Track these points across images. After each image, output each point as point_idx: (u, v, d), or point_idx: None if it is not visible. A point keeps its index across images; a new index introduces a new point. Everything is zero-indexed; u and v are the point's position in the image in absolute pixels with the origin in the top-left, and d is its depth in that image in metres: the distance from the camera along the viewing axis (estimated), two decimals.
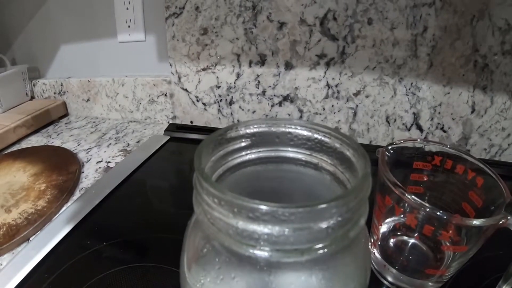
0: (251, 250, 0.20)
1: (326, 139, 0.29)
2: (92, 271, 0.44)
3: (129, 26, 0.81)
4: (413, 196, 0.36)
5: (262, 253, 0.20)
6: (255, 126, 0.30)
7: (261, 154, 0.31)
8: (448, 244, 0.39)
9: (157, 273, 0.44)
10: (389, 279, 0.44)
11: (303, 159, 0.31)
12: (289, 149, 0.31)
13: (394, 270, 0.43)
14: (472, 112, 0.74)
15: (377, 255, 0.45)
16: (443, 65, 0.71)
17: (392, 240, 0.46)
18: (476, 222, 0.35)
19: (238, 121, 0.80)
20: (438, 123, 0.75)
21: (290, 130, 0.30)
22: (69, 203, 0.59)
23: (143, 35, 0.81)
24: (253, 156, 0.31)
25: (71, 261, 0.46)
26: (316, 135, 0.29)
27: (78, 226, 0.53)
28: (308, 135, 0.30)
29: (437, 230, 0.37)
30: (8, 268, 0.46)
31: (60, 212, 0.56)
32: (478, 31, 0.68)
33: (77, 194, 0.62)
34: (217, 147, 0.28)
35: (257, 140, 0.30)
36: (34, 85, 1.02)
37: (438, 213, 0.35)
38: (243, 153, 0.30)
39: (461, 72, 0.71)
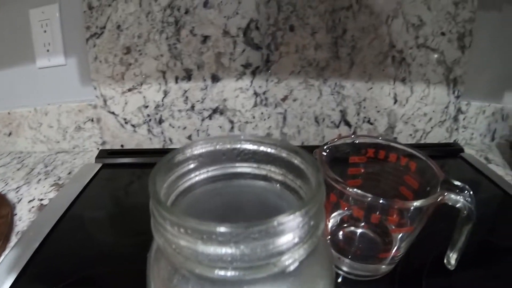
0: (222, 273, 0.20)
1: (273, 151, 0.30)
2: None
3: (48, 50, 0.76)
4: (355, 189, 0.38)
5: (234, 273, 0.20)
6: (201, 146, 0.30)
7: (209, 174, 0.31)
8: (394, 227, 0.42)
9: None
10: (344, 269, 0.46)
11: (252, 172, 0.31)
12: (237, 164, 0.31)
13: (347, 260, 0.45)
14: (395, 103, 0.79)
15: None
16: (363, 63, 0.74)
17: (341, 233, 0.48)
18: (416, 203, 0.37)
19: (170, 139, 0.79)
20: (365, 117, 0.79)
21: (236, 146, 0.30)
22: (6, 251, 0.54)
23: (63, 59, 0.77)
24: (202, 176, 0.30)
25: None
26: (262, 148, 0.30)
27: (22, 274, 0.48)
28: (254, 149, 0.30)
29: (383, 216, 0.40)
30: None
31: None
32: (393, 29, 0.72)
33: (13, 239, 0.57)
34: (167, 172, 0.27)
35: (204, 160, 0.30)
36: None
37: (381, 201, 0.38)
38: (192, 175, 0.30)
39: (381, 68, 0.75)
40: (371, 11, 0.71)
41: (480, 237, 0.54)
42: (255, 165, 0.31)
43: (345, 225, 0.48)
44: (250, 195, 0.32)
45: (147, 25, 0.69)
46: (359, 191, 0.38)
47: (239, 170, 0.31)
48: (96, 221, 0.61)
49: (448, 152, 0.83)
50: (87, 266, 0.49)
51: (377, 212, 0.40)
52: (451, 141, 0.86)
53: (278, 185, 0.31)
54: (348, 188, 0.38)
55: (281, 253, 0.21)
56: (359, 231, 0.48)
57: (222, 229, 0.19)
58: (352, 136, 0.50)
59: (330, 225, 0.46)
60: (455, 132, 0.86)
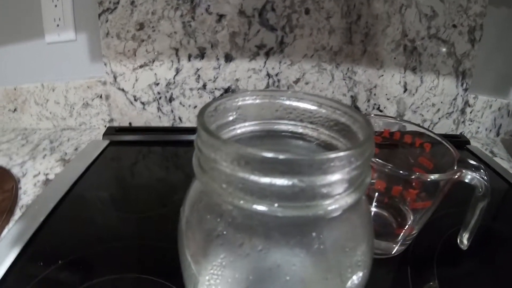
0: (274, 207, 0.20)
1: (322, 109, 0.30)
2: None
3: (57, 25, 0.75)
4: (377, 159, 0.39)
5: (283, 209, 0.20)
6: (241, 98, 0.29)
7: (249, 128, 0.31)
8: (413, 202, 0.42)
9: (127, 283, 0.42)
10: None
11: (290, 130, 0.31)
12: (280, 121, 0.31)
13: None
14: (404, 92, 0.79)
15: None
16: (376, 50, 0.74)
17: None
18: (435, 176, 0.38)
19: (179, 118, 0.78)
20: (375, 104, 0.79)
21: (276, 101, 0.30)
22: (10, 224, 0.53)
23: (73, 34, 0.75)
24: (242, 130, 0.30)
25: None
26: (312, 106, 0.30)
27: (26, 248, 0.46)
28: (294, 105, 0.30)
29: (404, 189, 0.40)
30: None
31: (1, 236, 0.50)
32: (406, 18, 0.73)
33: (18, 213, 0.55)
34: (210, 118, 0.27)
35: (244, 113, 0.30)
36: None
37: (401, 172, 0.38)
38: (232, 127, 0.30)
39: (393, 56, 0.75)
40: None
41: (488, 224, 0.56)
42: (295, 122, 0.31)
43: None
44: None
45: (162, 1, 0.69)
46: (380, 161, 0.39)
47: (276, 127, 0.31)
48: (101, 197, 0.60)
49: (454, 144, 0.82)
50: (92, 243, 0.48)
51: (399, 184, 0.40)
52: (458, 133, 0.87)
53: (315, 143, 0.31)
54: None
55: (330, 195, 0.21)
56: (374, 210, 0.47)
57: (282, 156, 0.19)
58: (370, 115, 0.50)
59: None
60: (462, 125, 0.87)
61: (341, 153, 0.20)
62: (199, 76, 0.74)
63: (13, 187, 0.60)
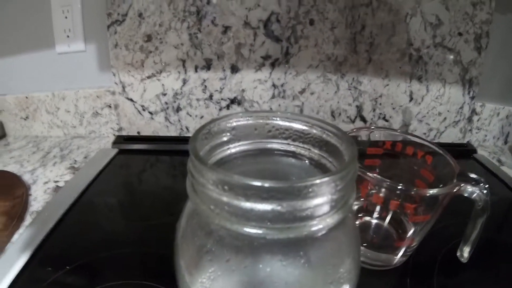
0: (259, 230, 0.21)
1: (306, 128, 0.31)
2: None
3: (68, 36, 0.77)
4: (374, 174, 0.39)
5: (268, 231, 0.21)
6: (234, 120, 0.30)
7: (241, 148, 0.32)
8: (411, 215, 0.43)
9: None
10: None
11: (284, 148, 0.32)
12: (268, 140, 0.32)
13: (362, 248, 0.46)
14: (410, 101, 0.79)
15: None
16: (381, 59, 0.75)
17: (358, 221, 0.48)
18: (433, 191, 0.38)
19: (186, 128, 0.80)
20: (380, 113, 0.80)
21: (268, 121, 0.31)
22: (20, 230, 0.55)
23: (83, 45, 0.78)
24: (234, 150, 0.31)
25: None
26: (294, 125, 0.31)
27: (36, 254, 0.48)
28: (287, 125, 0.31)
29: (401, 203, 0.40)
30: None
31: (12, 241, 0.52)
32: (411, 27, 0.73)
33: (28, 219, 0.57)
34: (203, 140, 0.28)
35: (237, 134, 0.31)
36: None
37: (399, 186, 0.38)
38: (226, 147, 0.31)
39: (398, 65, 0.76)
40: (390, 8, 0.71)
41: (492, 235, 0.56)
42: (287, 141, 0.32)
43: (360, 214, 0.48)
44: (281, 170, 0.33)
45: (169, 13, 0.70)
46: (378, 176, 0.39)
47: (269, 146, 0.32)
48: (110, 205, 0.61)
49: (461, 153, 0.83)
50: (99, 249, 0.49)
51: (397, 199, 0.41)
52: (465, 141, 0.87)
53: (307, 161, 0.32)
54: (368, 173, 0.39)
55: (312, 217, 0.22)
56: (374, 221, 0.48)
57: (266, 184, 0.20)
58: (371, 128, 0.50)
59: None
60: (469, 133, 0.87)
61: (318, 180, 0.21)
62: (205, 86, 0.75)
63: (24, 194, 0.62)
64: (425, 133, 0.83)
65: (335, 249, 0.26)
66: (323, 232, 0.23)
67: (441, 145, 0.80)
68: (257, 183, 0.20)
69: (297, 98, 0.77)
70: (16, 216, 0.56)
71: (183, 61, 0.73)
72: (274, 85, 0.76)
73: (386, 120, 0.81)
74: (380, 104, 0.79)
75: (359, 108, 0.79)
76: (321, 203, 0.22)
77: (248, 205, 0.21)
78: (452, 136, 0.85)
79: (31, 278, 0.45)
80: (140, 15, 0.70)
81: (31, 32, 0.78)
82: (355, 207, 0.48)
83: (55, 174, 0.69)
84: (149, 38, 0.71)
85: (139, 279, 0.44)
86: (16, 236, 0.53)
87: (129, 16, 0.70)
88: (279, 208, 0.21)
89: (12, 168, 0.72)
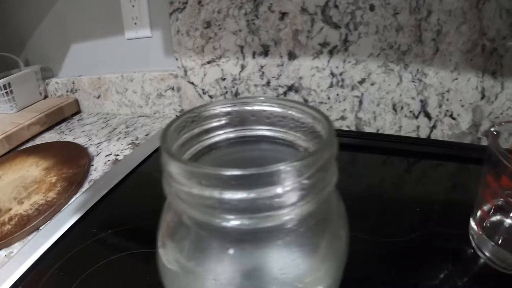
0: (224, 223, 0.21)
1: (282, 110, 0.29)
2: (97, 257, 0.45)
3: (135, 23, 0.82)
4: None
5: (235, 222, 0.21)
6: (228, 104, 0.30)
7: (227, 136, 0.31)
8: None
9: None
10: (487, 254, 0.42)
11: (271, 135, 0.31)
12: (252, 127, 0.31)
13: (494, 245, 0.41)
14: (482, 98, 0.73)
15: (479, 230, 0.43)
16: (449, 50, 0.70)
17: (498, 216, 0.43)
18: None
19: None
20: (447, 110, 0.74)
21: (264, 108, 0.30)
22: (78, 194, 0.61)
23: (149, 31, 0.83)
24: (230, 135, 0.31)
25: (77, 248, 0.47)
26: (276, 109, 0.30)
27: (86, 216, 0.54)
28: (281, 112, 0.30)
29: None
30: (18, 255, 0.48)
31: (69, 203, 0.58)
32: (484, 14, 0.67)
33: (86, 185, 0.63)
34: (181, 130, 0.28)
35: (221, 122, 0.31)
36: (47, 84, 1.05)
37: None
38: (218, 132, 0.31)
39: (469, 57, 0.70)
40: None
41: None
42: (283, 129, 0.31)
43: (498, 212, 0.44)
44: (268, 157, 0.32)
45: (227, 0, 0.71)
46: None
47: (256, 133, 0.31)
48: (160, 180, 0.64)
49: None
50: (141, 218, 0.52)
51: None
52: None
53: (300, 148, 0.30)
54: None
55: (281, 207, 0.21)
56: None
57: (228, 172, 0.20)
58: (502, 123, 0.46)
59: (487, 207, 0.43)
60: None
61: (284, 166, 0.20)
62: (263, 73, 0.76)
63: (86, 164, 0.69)
64: None
65: (314, 236, 0.24)
66: (296, 222, 0.22)
67: None
68: (218, 172, 0.20)
69: (356, 88, 0.74)
70: (76, 182, 0.63)
71: (241, 47, 0.74)
72: (332, 74, 0.74)
73: (454, 118, 0.75)
74: (447, 99, 0.74)
75: (424, 103, 0.74)
76: (291, 190, 0.21)
77: (216, 194, 0.20)
78: None
79: (78, 236, 0.51)
80: (199, 2, 0.72)
81: (103, 20, 0.85)
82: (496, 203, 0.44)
83: (117, 148, 0.74)
84: (208, 24, 0.73)
85: None
86: (73, 199, 0.60)
87: (189, 4, 0.73)
88: (245, 196, 0.20)
89: (81, 140, 0.79)
